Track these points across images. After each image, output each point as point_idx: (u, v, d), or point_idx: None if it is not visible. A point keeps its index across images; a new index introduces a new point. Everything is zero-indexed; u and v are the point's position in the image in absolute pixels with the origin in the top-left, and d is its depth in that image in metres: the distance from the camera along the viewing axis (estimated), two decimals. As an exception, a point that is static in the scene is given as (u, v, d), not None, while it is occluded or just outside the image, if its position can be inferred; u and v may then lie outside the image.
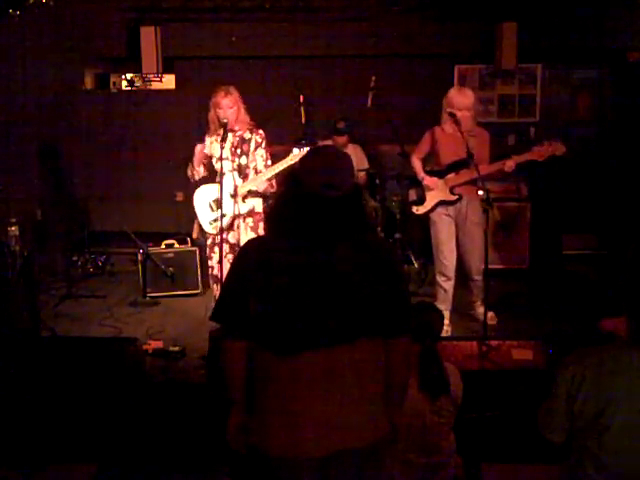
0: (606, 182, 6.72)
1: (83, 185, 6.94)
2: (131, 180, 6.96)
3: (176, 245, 6.07)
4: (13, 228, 4.82)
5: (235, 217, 4.64)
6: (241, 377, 2.26)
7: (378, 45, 6.84)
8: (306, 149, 4.45)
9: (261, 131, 4.68)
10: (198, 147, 4.75)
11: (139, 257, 5.95)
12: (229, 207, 4.64)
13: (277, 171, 4.54)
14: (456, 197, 4.77)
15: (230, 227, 4.67)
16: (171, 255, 5.98)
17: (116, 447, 3.63)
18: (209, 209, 4.76)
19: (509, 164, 4.63)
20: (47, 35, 6.63)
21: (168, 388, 4.15)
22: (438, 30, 6.82)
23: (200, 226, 4.88)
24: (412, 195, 4.97)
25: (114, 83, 7.68)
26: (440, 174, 4.82)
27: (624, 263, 2.24)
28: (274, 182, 4.68)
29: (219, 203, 4.63)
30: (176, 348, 4.57)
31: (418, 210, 4.92)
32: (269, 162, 4.65)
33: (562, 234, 6.69)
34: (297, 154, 4.45)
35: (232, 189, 4.61)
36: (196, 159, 4.74)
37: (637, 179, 6.45)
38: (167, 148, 6.74)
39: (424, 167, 4.93)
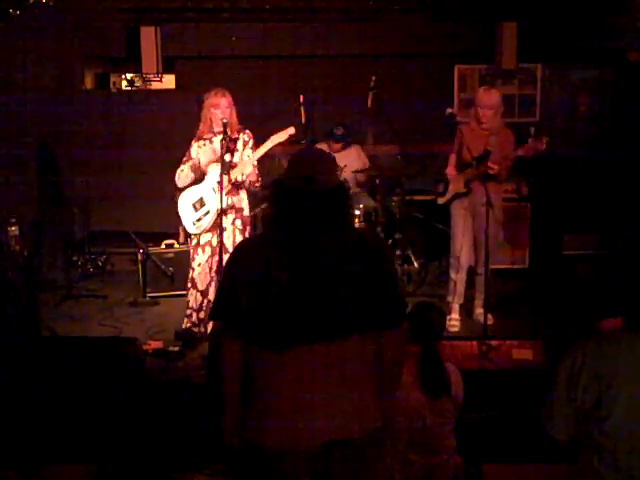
0: (606, 182, 6.72)
1: (83, 185, 6.92)
2: (131, 180, 6.95)
3: (176, 245, 6.07)
4: (13, 228, 4.81)
5: (220, 213, 4.50)
6: (238, 374, 2.29)
7: (378, 45, 6.85)
8: (286, 131, 4.56)
9: (248, 131, 4.72)
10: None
11: (139, 257, 5.95)
12: (213, 203, 4.62)
13: (257, 157, 4.58)
14: (465, 190, 4.88)
15: (214, 225, 4.61)
16: (171, 255, 5.98)
17: (116, 447, 3.63)
18: (192, 210, 4.74)
19: (492, 166, 4.66)
20: (47, 35, 6.62)
21: (168, 388, 4.15)
22: (438, 30, 6.82)
23: (185, 230, 4.89)
24: (440, 188, 5.18)
25: (114, 83, 7.68)
26: (461, 168, 4.94)
27: (617, 255, 2.27)
28: (260, 178, 4.69)
29: (202, 202, 4.69)
30: (176, 348, 4.58)
31: (439, 200, 5.15)
32: (255, 163, 4.66)
33: (562, 234, 6.68)
34: (275, 137, 4.54)
35: (214, 184, 4.58)
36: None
37: (637, 179, 6.45)
38: (167, 148, 6.72)
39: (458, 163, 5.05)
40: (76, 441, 3.58)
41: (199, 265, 4.71)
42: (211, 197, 4.59)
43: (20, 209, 5.92)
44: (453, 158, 5.05)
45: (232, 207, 4.66)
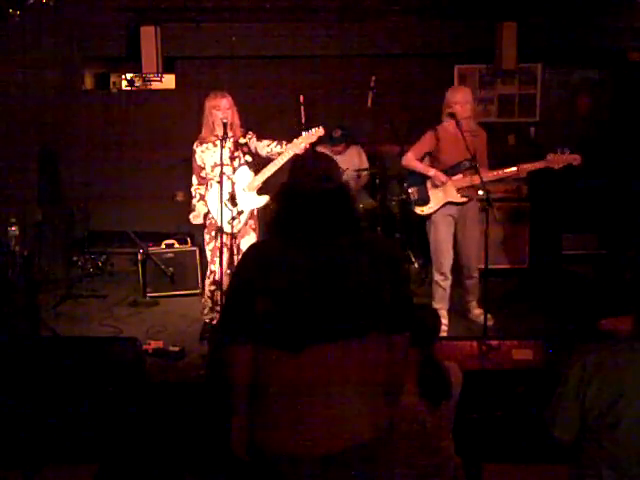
0: (606, 182, 6.71)
1: (83, 185, 6.91)
2: (131, 180, 6.96)
3: (176, 245, 6.07)
4: (13, 228, 4.82)
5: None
6: (245, 383, 2.28)
7: (378, 45, 6.85)
8: (314, 130, 4.44)
9: (250, 131, 4.74)
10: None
11: (139, 257, 5.95)
12: (246, 203, 4.63)
13: (290, 155, 4.44)
14: (465, 199, 4.74)
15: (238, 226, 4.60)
16: (171, 255, 5.99)
17: (116, 447, 3.63)
18: (225, 209, 4.61)
19: (523, 170, 4.62)
20: (47, 35, 6.62)
21: (168, 388, 4.15)
22: (438, 30, 6.81)
23: (213, 220, 4.76)
24: (414, 194, 4.85)
25: (114, 83, 7.67)
26: (446, 174, 4.77)
27: (628, 261, 2.26)
28: None
29: (234, 201, 4.52)
30: (176, 348, 4.58)
31: (423, 211, 4.83)
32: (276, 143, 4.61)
33: (562, 234, 6.69)
34: (305, 137, 4.43)
35: (245, 183, 4.61)
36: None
37: (637, 179, 6.45)
38: (167, 148, 6.74)
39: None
40: (76, 441, 3.59)
41: (221, 266, 4.62)
42: (242, 196, 4.58)
43: (20, 209, 5.93)
44: (420, 163, 4.83)
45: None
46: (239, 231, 4.65)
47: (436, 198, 4.78)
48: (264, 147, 4.64)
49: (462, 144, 4.52)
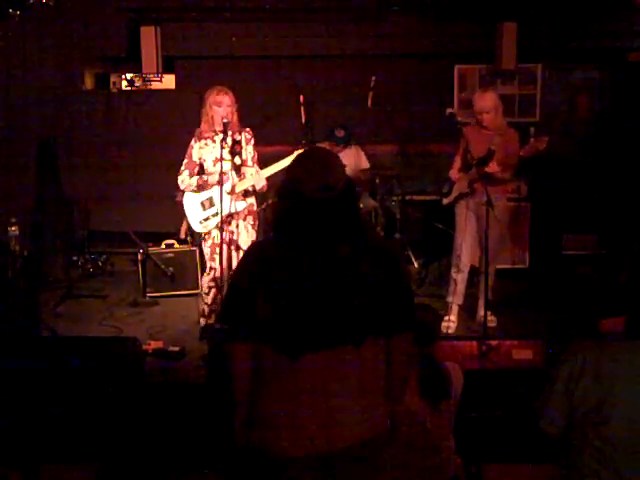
0: (606, 182, 6.72)
1: (83, 185, 6.93)
2: (131, 180, 6.95)
3: (176, 245, 6.06)
4: (13, 228, 4.82)
5: (230, 215, 4.54)
6: (247, 378, 2.28)
7: (378, 45, 6.85)
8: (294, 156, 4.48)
9: (248, 129, 4.72)
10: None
11: (139, 257, 5.95)
12: (224, 205, 4.56)
13: (277, 170, 4.51)
14: (468, 190, 4.88)
15: (223, 225, 4.55)
16: (171, 255, 5.98)
17: (116, 447, 3.62)
18: (200, 208, 4.69)
19: (491, 167, 4.66)
20: (47, 35, 6.63)
21: (168, 388, 4.15)
22: (438, 30, 6.81)
23: (189, 227, 4.83)
24: (445, 188, 5.19)
25: (114, 83, 7.67)
26: (466, 169, 4.94)
27: (628, 257, 2.26)
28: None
29: (212, 202, 4.61)
30: (176, 348, 4.58)
31: (443, 201, 5.15)
32: (255, 158, 4.70)
33: (562, 234, 6.69)
34: (275, 166, 4.51)
35: (229, 187, 4.59)
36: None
37: (637, 179, 6.45)
38: (167, 148, 6.72)
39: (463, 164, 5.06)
40: (76, 441, 3.58)
41: (221, 263, 4.62)
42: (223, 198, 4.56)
43: (20, 209, 5.93)
44: (458, 161, 5.04)
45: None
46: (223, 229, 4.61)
47: (453, 191, 5.07)
48: (249, 156, 4.67)
49: (485, 141, 4.73)
